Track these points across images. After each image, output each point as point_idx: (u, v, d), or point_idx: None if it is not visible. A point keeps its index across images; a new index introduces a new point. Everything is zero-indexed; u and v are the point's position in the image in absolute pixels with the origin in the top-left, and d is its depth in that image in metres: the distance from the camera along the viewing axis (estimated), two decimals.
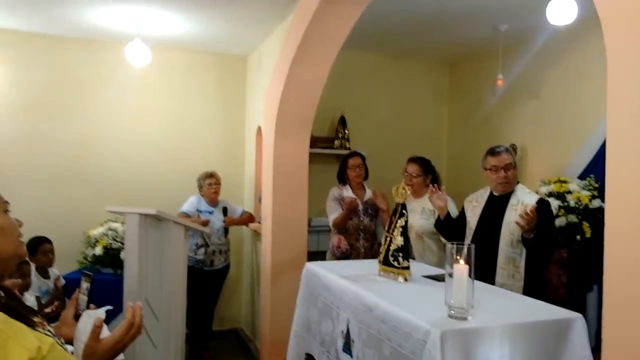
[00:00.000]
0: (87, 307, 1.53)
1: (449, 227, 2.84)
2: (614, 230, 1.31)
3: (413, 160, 3.37)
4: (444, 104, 5.32)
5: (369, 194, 3.65)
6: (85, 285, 1.57)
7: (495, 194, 2.68)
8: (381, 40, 4.49)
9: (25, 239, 3.65)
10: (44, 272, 3.49)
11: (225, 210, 4.14)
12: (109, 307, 1.51)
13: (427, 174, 3.33)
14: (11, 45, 4.15)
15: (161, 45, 4.38)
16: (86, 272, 1.62)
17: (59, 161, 4.30)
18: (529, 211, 2.32)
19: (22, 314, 1.02)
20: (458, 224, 2.81)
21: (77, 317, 1.50)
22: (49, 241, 3.56)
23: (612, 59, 1.32)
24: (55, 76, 4.30)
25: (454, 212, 2.99)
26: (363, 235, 3.56)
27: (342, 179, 3.69)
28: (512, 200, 2.57)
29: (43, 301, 3.22)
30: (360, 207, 3.58)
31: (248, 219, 4.33)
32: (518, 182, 2.69)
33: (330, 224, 3.62)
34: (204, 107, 4.76)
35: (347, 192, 3.62)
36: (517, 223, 2.37)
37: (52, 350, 0.98)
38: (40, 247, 3.48)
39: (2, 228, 1.12)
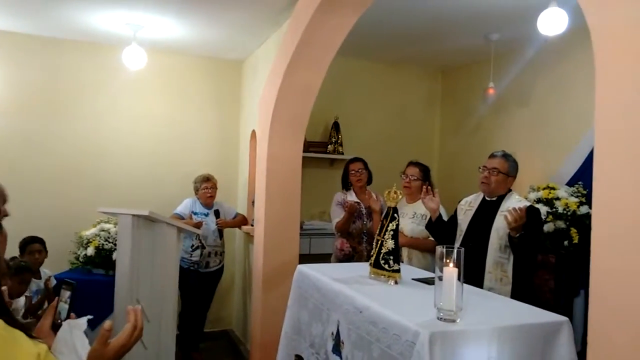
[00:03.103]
0: (68, 317, 1.49)
1: (439, 229, 2.88)
2: (600, 235, 1.34)
3: (414, 164, 3.41)
4: (436, 110, 5.38)
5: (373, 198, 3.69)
6: (66, 293, 1.53)
7: (487, 198, 2.73)
8: (375, 47, 4.54)
9: (18, 238, 3.63)
10: (34, 272, 3.48)
11: (217, 213, 4.15)
12: (90, 317, 1.48)
13: (426, 180, 3.37)
14: (7, 46, 4.15)
15: (158, 49, 4.40)
16: (68, 280, 1.58)
17: (53, 162, 4.30)
18: (517, 209, 2.36)
19: (16, 320, 1.03)
20: (449, 226, 2.85)
21: (55, 326, 1.45)
22: (39, 241, 3.55)
23: (600, 68, 1.36)
24: (51, 78, 4.30)
25: (445, 217, 3.04)
26: (366, 238, 3.60)
27: (346, 184, 3.74)
28: (503, 207, 2.62)
29: (33, 301, 3.22)
30: (364, 210, 3.63)
31: (241, 221, 4.34)
32: (511, 190, 2.74)
33: (334, 227, 3.66)
34: (200, 110, 4.78)
35: (351, 197, 3.67)
36: (505, 217, 2.42)
37: (47, 356, 1.00)
38: (28, 247, 3.48)
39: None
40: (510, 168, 2.69)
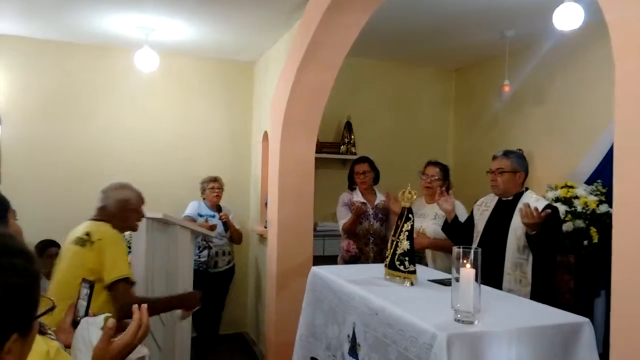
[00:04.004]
0: (86, 314, 1.51)
1: (456, 231, 2.84)
2: (622, 235, 1.31)
3: (433, 163, 3.36)
4: (450, 109, 5.32)
5: (379, 198, 3.65)
6: (85, 291, 1.55)
7: (502, 198, 2.69)
8: (387, 46, 4.51)
9: (34, 241, 3.69)
10: (49, 275, 3.51)
11: (219, 208, 4.14)
12: (108, 314, 1.50)
13: (446, 179, 3.33)
14: (20, 51, 4.21)
15: (169, 51, 4.42)
16: (86, 278, 1.60)
17: (68, 165, 4.35)
18: (532, 208, 2.32)
19: None
20: (466, 227, 2.81)
21: (74, 324, 1.48)
22: (55, 245, 3.59)
23: (619, 64, 1.32)
24: (64, 82, 4.35)
25: (464, 217, 2.99)
26: (373, 239, 3.56)
27: (352, 184, 3.70)
28: (519, 206, 2.57)
29: None
30: (370, 211, 3.60)
31: (238, 235, 4.27)
32: (527, 189, 2.69)
33: (340, 229, 3.63)
34: (211, 112, 4.80)
35: (357, 197, 3.63)
36: (520, 211, 2.38)
37: (58, 353, 1.00)
38: (47, 251, 3.52)
39: (18, 232, 1.14)
40: (514, 164, 2.64)
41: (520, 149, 4.20)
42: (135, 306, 1.29)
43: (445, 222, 2.89)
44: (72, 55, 4.34)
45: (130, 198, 2.43)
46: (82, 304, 1.53)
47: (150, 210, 3.40)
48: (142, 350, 2.49)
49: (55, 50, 4.29)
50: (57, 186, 4.30)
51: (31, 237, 3.60)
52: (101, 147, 4.45)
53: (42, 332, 1.04)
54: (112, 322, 1.22)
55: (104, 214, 2.37)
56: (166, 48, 4.31)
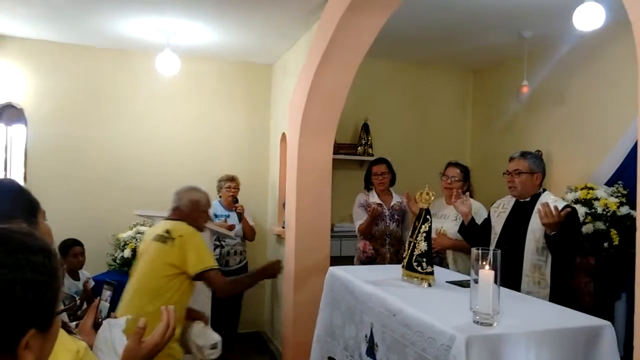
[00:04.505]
0: (108, 316, 1.53)
1: (472, 233, 2.83)
2: None
3: (454, 164, 3.35)
4: (468, 110, 5.30)
5: (395, 199, 3.66)
6: (107, 293, 1.57)
7: (520, 200, 2.67)
8: (404, 48, 4.51)
9: (57, 241, 3.78)
10: (74, 274, 3.59)
11: (236, 200, 4.14)
12: (129, 317, 1.52)
13: (466, 180, 3.32)
14: (45, 55, 4.31)
15: (190, 54, 4.49)
16: (109, 280, 1.62)
17: (90, 167, 4.44)
18: (552, 207, 2.31)
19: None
20: (483, 230, 2.80)
21: (96, 325, 1.50)
22: (80, 244, 3.66)
23: None
24: (86, 85, 4.45)
25: (484, 218, 2.98)
26: (389, 240, 3.57)
27: (369, 185, 3.71)
28: (537, 207, 2.55)
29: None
30: (387, 212, 3.60)
31: (251, 230, 4.25)
32: (545, 190, 2.68)
33: (356, 230, 3.65)
34: (231, 114, 4.85)
35: (373, 198, 3.64)
36: (538, 211, 2.37)
37: (86, 353, 1.03)
38: (71, 250, 3.59)
39: (47, 233, 1.18)
40: (532, 165, 2.62)
41: (539, 150, 4.18)
42: (162, 307, 1.32)
43: (462, 224, 2.88)
44: (94, 59, 4.44)
45: (201, 199, 2.65)
46: (105, 305, 1.55)
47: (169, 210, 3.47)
48: (214, 336, 2.61)
49: (78, 54, 4.39)
50: (81, 187, 4.39)
51: (55, 237, 3.69)
52: (124, 148, 4.53)
53: (69, 332, 1.07)
54: (143, 321, 1.24)
55: (178, 214, 2.57)
56: (186, 51, 4.37)
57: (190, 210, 2.57)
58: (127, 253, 3.91)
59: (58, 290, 0.80)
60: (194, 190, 2.65)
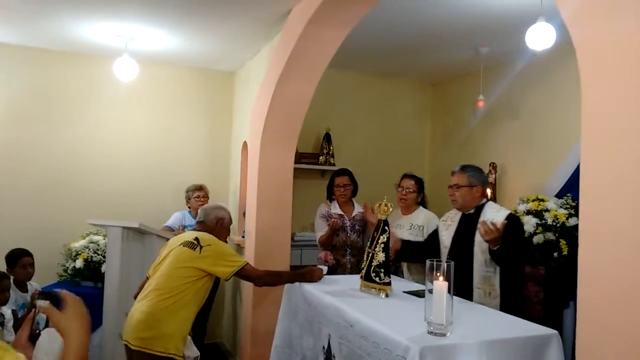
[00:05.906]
0: (46, 327, 1.48)
1: (413, 252, 2.88)
2: (587, 248, 1.36)
3: (409, 176, 3.41)
4: (427, 122, 5.43)
5: (357, 209, 3.68)
6: (45, 303, 1.52)
7: (464, 212, 2.71)
8: (366, 60, 4.58)
9: (5, 250, 3.61)
10: (22, 286, 3.42)
11: None
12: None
13: (420, 191, 3.39)
14: None
15: (149, 60, 4.40)
16: (46, 291, 1.56)
17: (41, 173, 4.26)
18: (489, 224, 2.33)
19: None
20: (428, 246, 2.84)
21: (33, 337, 1.45)
22: (29, 254, 3.49)
23: (586, 84, 1.38)
24: (41, 89, 4.29)
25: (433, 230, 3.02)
26: (350, 251, 3.59)
27: (330, 196, 3.73)
28: (480, 219, 2.56)
29: (19, 315, 3.17)
30: (348, 223, 3.62)
31: None
32: (488, 201, 2.73)
33: (317, 240, 3.65)
34: (191, 122, 4.78)
35: (335, 209, 3.66)
36: (478, 230, 2.41)
37: None
38: (19, 261, 3.41)
39: None
40: (470, 178, 2.65)
41: (493, 162, 4.32)
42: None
43: (399, 251, 2.87)
44: (49, 62, 4.28)
45: (225, 217, 2.81)
46: (43, 317, 1.50)
47: (128, 219, 3.38)
48: (194, 350, 2.63)
49: (31, 57, 4.22)
50: (31, 194, 4.22)
51: (3, 246, 3.52)
52: (78, 155, 4.39)
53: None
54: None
55: (203, 228, 2.73)
56: (146, 57, 4.29)
57: (215, 225, 2.74)
58: (79, 263, 3.77)
59: None
60: (220, 209, 2.84)
